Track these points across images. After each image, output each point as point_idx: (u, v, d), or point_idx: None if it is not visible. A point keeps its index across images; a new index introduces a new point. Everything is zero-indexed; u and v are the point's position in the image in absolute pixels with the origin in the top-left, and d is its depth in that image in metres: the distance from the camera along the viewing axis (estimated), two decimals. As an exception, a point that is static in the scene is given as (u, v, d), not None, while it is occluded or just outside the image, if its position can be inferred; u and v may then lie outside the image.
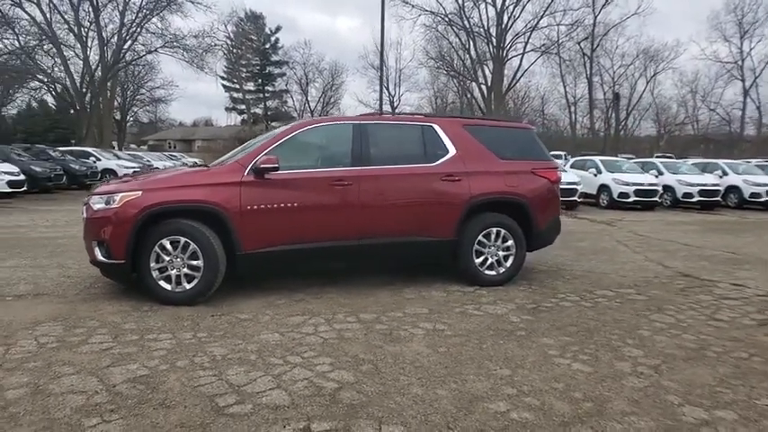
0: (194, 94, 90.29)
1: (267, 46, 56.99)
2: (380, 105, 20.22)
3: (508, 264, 5.81)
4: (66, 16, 30.15)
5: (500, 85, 40.88)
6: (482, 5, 39.19)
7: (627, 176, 16.91)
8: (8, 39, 28.15)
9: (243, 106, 57.17)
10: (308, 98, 56.64)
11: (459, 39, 41.76)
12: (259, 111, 57.70)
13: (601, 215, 14.57)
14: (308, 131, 5.47)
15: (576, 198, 15.71)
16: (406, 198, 5.46)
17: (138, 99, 50.45)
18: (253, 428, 2.70)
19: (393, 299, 5.17)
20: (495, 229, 5.73)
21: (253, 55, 55.77)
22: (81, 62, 32.25)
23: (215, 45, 33.94)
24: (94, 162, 21.97)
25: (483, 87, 41.93)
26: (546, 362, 3.66)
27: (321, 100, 56.11)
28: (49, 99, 37.75)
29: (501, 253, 5.78)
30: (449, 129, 5.79)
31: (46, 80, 32.19)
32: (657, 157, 28.13)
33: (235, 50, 50.25)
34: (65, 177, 18.22)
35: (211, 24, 53.58)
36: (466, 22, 39.58)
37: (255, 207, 4.90)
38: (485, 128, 6.13)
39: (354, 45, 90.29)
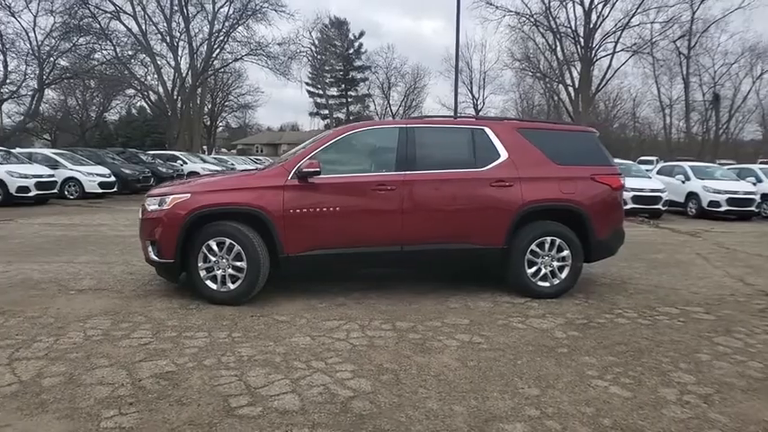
0: (281, 100, 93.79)
1: (350, 51, 58.29)
2: (455, 108, 19.91)
3: (563, 275, 5.49)
4: (159, 27, 32.42)
5: (588, 87, 39.05)
6: (569, 5, 37.53)
7: (719, 184, 15.61)
8: (106, 50, 30.60)
9: (326, 111, 58.66)
10: (390, 102, 57.28)
11: (546, 39, 40.35)
12: (342, 115, 58.99)
13: (686, 225, 13.53)
14: (353, 135, 5.44)
15: (660, 206, 14.74)
16: (453, 204, 5.29)
17: (227, 105, 53.12)
18: (256, 431, 2.70)
19: (436, 307, 5.02)
20: (549, 238, 5.43)
21: (336, 60, 57.18)
22: (172, 70, 34.62)
23: (299, 52, 35.16)
24: (181, 165, 23.37)
25: (570, 89, 40.35)
26: (581, 383, 3.40)
27: (403, 103, 56.52)
28: (145, 106, 40.53)
29: (555, 263, 5.47)
30: (501, 132, 5.56)
31: (139, 88, 34.63)
32: (761, 163, 25.78)
33: (319, 56, 51.74)
34: (153, 179, 19.45)
35: (296, 32, 55.55)
36: (552, 23, 38.14)
37: (298, 211, 4.93)
38: (541, 131, 5.84)
39: (437, 47, 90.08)
